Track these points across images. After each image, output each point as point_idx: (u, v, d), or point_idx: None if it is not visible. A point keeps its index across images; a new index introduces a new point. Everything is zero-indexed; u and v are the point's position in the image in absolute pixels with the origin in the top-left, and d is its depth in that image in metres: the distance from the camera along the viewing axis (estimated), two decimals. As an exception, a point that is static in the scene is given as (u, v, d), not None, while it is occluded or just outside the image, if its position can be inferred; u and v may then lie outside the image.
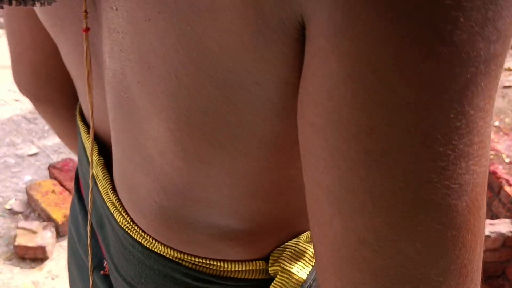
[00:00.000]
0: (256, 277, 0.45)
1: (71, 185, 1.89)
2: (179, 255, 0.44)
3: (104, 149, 0.50)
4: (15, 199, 1.88)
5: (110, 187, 0.48)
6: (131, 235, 0.46)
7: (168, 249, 0.44)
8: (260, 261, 0.44)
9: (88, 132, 0.52)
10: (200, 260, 0.44)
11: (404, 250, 0.24)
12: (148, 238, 0.45)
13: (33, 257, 1.64)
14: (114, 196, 0.48)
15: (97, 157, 0.50)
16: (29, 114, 2.42)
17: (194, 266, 0.44)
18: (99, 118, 0.47)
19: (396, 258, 0.24)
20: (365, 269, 0.25)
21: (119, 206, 0.47)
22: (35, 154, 2.15)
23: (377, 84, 0.22)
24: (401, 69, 0.21)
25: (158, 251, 0.45)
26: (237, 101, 0.30)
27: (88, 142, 0.52)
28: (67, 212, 1.75)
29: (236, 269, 0.44)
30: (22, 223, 1.70)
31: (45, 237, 1.65)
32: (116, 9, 0.32)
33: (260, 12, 0.25)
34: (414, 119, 0.22)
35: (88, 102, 0.42)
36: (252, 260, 0.44)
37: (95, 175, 0.50)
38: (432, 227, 0.24)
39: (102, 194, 0.49)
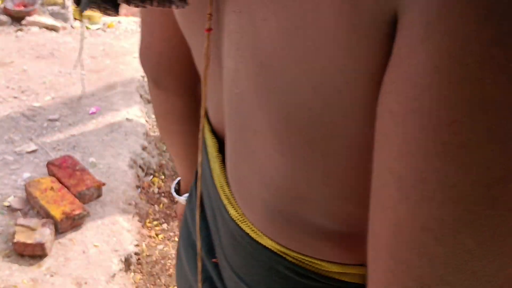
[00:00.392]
0: (358, 282, 0.45)
1: (69, 182, 1.89)
2: (283, 250, 0.46)
3: (223, 146, 0.53)
4: (14, 196, 1.87)
5: (226, 181, 0.51)
6: (241, 227, 0.48)
7: (273, 243, 0.46)
8: (362, 267, 0.44)
9: (211, 130, 0.56)
10: (302, 257, 0.45)
11: (465, 242, 0.25)
12: (256, 230, 0.47)
13: (32, 254, 1.64)
14: (229, 190, 0.51)
15: (216, 153, 0.53)
16: (27, 111, 2.41)
17: (297, 262, 0.46)
18: (218, 117, 0.51)
19: (456, 249, 0.25)
20: (423, 255, 0.26)
21: (232, 199, 0.50)
22: (34, 151, 2.14)
23: (464, 78, 0.22)
24: (490, 67, 0.22)
25: (265, 244, 0.46)
26: (329, 102, 0.31)
27: (210, 139, 0.56)
28: (66, 209, 1.75)
29: (337, 270, 0.45)
30: (21, 220, 1.70)
31: (44, 234, 1.65)
32: (240, 11, 0.36)
33: (356, 8, 0.26)
34: (497, 117, 0.22)
35: (214, 98, 0.48)
36: (353, 265, 0.45)
37: (212, 169, 0.54)
38: (497, 225, 0.24)
39: (218, 188, 0.52)
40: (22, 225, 1.67)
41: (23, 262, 1.62)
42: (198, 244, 0.56)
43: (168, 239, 1.99)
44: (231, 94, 0.41)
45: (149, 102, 2.75)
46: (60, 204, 1.77)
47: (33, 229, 1.66)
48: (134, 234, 1.89)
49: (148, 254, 1.91)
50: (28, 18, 3.27)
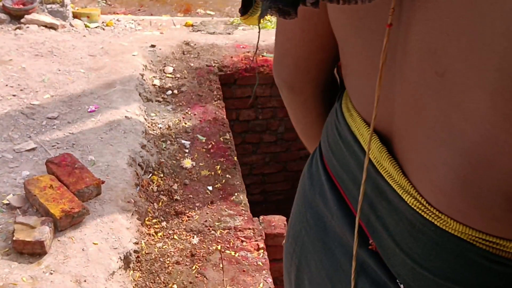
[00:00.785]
0: None
1: (69, 180, 1.89)
2: (475, 234, 0.46)
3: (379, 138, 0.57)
4: (13, 194, 1.87)
5: (399, 171, 0.53)
6: (423, 216, 0.49)
7: (465, 228, 0.46)
8: None
9: (364, 123, 0.59)
10: (497, 241, 0.46)
11: None
12: (443, 217, 0.47)
13: (31, 252, 1.64)
14: (404, 179, 0.52)
15: (379, 145, 0.55)
16: (26, 109, 2.41)
17: (488, 248, 0.46)
18: (379, 110, 0.53)
19: None
20: None
21: (411, 188, 0.51)
22: (33, 149, 2.14)
23: None
24: None
25: (452, 231, 0.47)
26: None
27: (359, 132, 0.59)
28: (65, 207, 1.75)
29: None
30: (20, 218, 1.70)
31: (43, 232, 1.65)
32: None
33: None
34: None
35: (374, 94, 0.50)
36: None
37: (374, 162, 0.56)
38: None
39: (387, 179, 0.54)
40: (21, 223, 1.67)
41: (23, 260, 1.62)
42: (356, 237, 0.57)
43: (167, 237, 1.99)
44: (428, 80, 0.44)
45: (148, 100, 2.75)
46: (59, 202, 1.77)
47: (32, 227, 1.66)
48: (133, 232, 1.89)
49: (147, 252, 1.91)
50: (27, 16, 3.27)
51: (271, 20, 3.95)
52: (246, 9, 0.64)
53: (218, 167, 2.39)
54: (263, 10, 0.52)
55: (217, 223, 2.07)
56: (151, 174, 2.27)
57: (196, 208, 2.14)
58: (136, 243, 1.88)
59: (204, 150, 2.49)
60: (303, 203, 0.72)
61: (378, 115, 0.54)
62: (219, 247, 1.97)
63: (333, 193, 0.65)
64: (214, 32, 3.69)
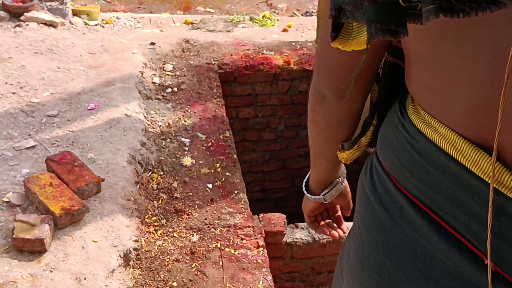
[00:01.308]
0: None
1: (68, 178, 1.89)
2: None
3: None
4: (13, 192, 1.88)
5: None
6: None
7: None
8: None
9: (461, 138, 0.57)
10: None
11: None
12: None
13: (31, 249, 1.64)
14: None
15: (498, 166, 0.53)
16: (26, 107, 2.41)
17: None
18: (471, 119, 0.54)
19: None
20: None
21: None
22: (33, 147, 2.14)
23: None
24: None
25: None
26: None
27: (456, 148, 0.56)
28: (65, 204, 1.75)
29: None
30: (20, 216, 1.70)
31: (43, 230, 1.65)
32: None
33: None
34: None
35: (471, 105, 0.52)
36: None
37: (486, 178, 0.54)
38: None
39: (507, 193, 0.52)
40: (21, 221, 1.67)
41: (22, 258, 1.62)
42: (488, 254, 0.55)
43: (167, 235, 2.00)
44: None
45: (148, 98, 2.75)
46: (59, 200, 1.77)
47: (32, 225, 1.66)
48: (133, 229, 1.90)
49: (147, 249, 1.91)
50: (27, 14, 3.26)
51: (271, 18, 3.94)
52: (337, 33, 0.61)
53: (218, 165, 2.39)
54: (372, 33, 0.53)
55: (216, 221, 2.08)
56: (151, 172, 2.27)
57: (196, 206, 2.14)
58: (136, 241, 1.88)
59: (204, 148, 2.49)
60: (378, 231, 0.68)
61: (477, 126, 0.52)
62: (218, 245, 1.97)
63: (421, 216, 0.61)
64: (214, 30, 3.69)
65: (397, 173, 0.65)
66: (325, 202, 1.03)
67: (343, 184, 1.02)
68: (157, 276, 1.82)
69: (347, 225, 1.09)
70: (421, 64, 0.58)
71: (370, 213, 0.70)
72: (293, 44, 3.54)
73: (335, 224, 1.12)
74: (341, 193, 1.03)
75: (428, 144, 0.59)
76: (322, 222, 1.11)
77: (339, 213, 1.12)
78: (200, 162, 2.39)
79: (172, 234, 2.00)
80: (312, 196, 1.02)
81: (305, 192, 1.04)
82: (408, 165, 0.62)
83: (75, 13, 3.50)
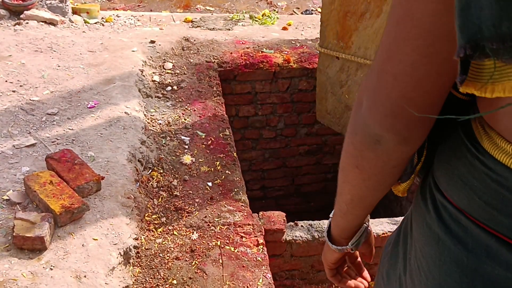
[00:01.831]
0: None
1: (68, 176, 1.89)
2: None
3: None
4: (13, 190, 1.88)
5: None
6: None
7: None
8: None
9: None
10: None
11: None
12: None
13: (31, 247, 1.64)
14: None
15: None
16: (26, 105, 2.41)
17: None
18: None
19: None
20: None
21: None
22: (33, 145, 2.15)
23: None
24: None
25: None
26: None
27: None
28: (65, 203, 1.76)
29: None
30: (20, 214, 1.70)
31: (43, 228, 1.65)
32: None
33: None
34: None
35: None
36: None
37: None
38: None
39: None
40: (21, 219, 1.67)
41: (23, 256, 1.63)
42: None
43: (167, 233, 2.00)
44: None
45: (147, 96, 2.75)
46: (59, 198, 1.77)
47: (32, 223, 1.66)
48: (133, 227, 1.90)
49: (147, 247, 1.91)
50: (27, 12, 3.26)
51: (271, 16, 3.94)
52: (465, 72, 0.51)
53: (218, 163, 2.39)
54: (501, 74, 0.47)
55: (216, 219, 2.08)
56: (150, 170, 2.28)
57: (196, 204, 2.15)
58: (136, 239, 1.88)
59: (203, 146, 2.49)
60: (461, 273, 0.63)
61: None
62: (218, 243, 1.97)
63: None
64: (213, 28, 3.69)
65: (478, 211, 0.60)
66: (352, 252, 0.93)
67: (370, 227, 0.92)
68: (157, 274, 1.82)
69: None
70: None
71: (446, 255, 0.65)
72: (293, 42, 3.54)
73: (353, 272, 1.03)
74: (367, 239, 0.93)
75: None
76: (345, 275, 1.02)
77: (359, 259, 1.02)
78: (200, 160, 2.40)
79: (172, 232, 2.00)
80: (338, 247, 0.91)
81: (329, 242, 0.93)
82: (494, 203, 0.57)
83: (75, 11, 3.50)
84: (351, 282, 1.01)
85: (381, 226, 2.35)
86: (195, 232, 2.01)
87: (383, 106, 0.60)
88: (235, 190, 2.24)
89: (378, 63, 0.59)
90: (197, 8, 5.59)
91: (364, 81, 0.63)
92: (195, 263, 1.88)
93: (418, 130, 0.62)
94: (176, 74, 3.04)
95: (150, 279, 1.80)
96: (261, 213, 2.24)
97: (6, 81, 2.57)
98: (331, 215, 0.93)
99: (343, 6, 2.48)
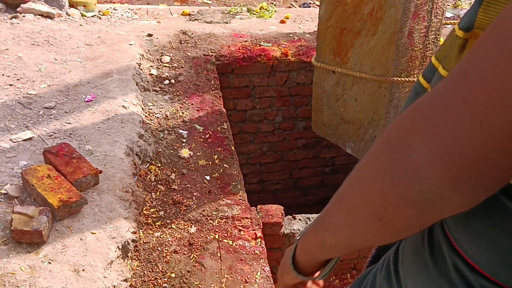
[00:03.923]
0: None
1: (66, 169, 1.89)
2: None
3: None
4: (11, 184, 1.88)
5: None
6: None
7: None
8: None
9: None
10: None
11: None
12: None
13: (30, 241, 1.64)
14: None
15: None
16: (23, 99, 2.40)
17: None
18: None
19: None
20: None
21: None
22: (30, 139, 2.14)
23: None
24: None
25: None
26: None
27: None
28: (63, 196, 1.75)
29: None
30: (18, 208, 1.70)
31: (41, 221, 1.65)
32: None
33: None
34: None
35: None
36: None
37: None
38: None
39: None
40: (19, 213, 1.67)
41: (21, 250, 1.63)
42: None
43: (165, 226, 2.00)
44: None
45: (145, 89, 2.75)
46: (57, 192, 1.77)
47: (30, 217, 1.66)
48: (131, 221, 1.90)
49: (145, 241, 1.92)
50: (23, 5, 3.25)
51: (268, 10, 3.93)
52: None
53: (216, 156, 2.39)
54: None
55: (214, 213, 2.08)
56: (148, 164, 2.28)
57: (194, 198, 2.15)
58: (134, 233, 1.89)
59: (201, 139, 2.49)
60: None
61: None
62: (216, 236, 1.97)
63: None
64: (211, 21, 3.68)
65: (500, 274, 0.53)
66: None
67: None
68: (155, 267, 1.82)
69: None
70: None
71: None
72: (291, 35, 3.53)
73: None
74: None
75: None
76: None
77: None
78: (198, 154, 2.40)
79: (170, 226, 2.01)
80: (306, 277, 0.80)
81: (293, 271, 0.80)
82: None
83: (72, 5, 3.48)
84: None
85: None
86: (193, 225, 2.02)
87: (465, 161, 0.41)
88: (233, 183, 2.25)
89: (473, 105, 0.40)
90: (194, 1, 5.57)
91: (416, 115, 0.45)
92: (193, 256, 1.88)
93: (495, 191, 0.45)
94: (174, 67, 3.03)
95: (149, 273, 1.80)
96: (259, 206, 2.24)
97: (3, 74, 2.56)
98: (298, 237, 0.78)
99: (340, 23, 2.51)
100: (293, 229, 2.30)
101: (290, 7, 5.40)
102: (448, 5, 4.44)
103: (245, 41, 3.38)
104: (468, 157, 0.41)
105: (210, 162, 2.36)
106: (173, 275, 1.80)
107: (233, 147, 2.48)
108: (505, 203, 0.50)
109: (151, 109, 2.64)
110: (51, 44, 2.93)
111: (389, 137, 0.48)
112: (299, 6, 5.43)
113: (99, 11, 3.54)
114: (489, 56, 0.39)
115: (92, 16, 3.45)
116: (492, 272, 0.53)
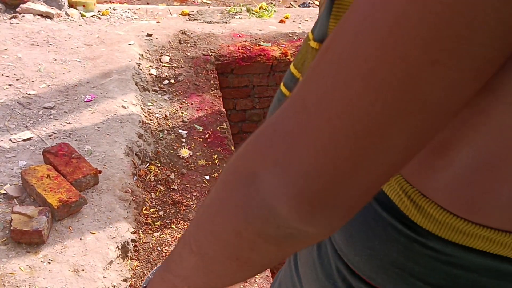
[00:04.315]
0: None
1: (66, 169, 1.89)
2: None
3: None
4: (10, 184, 1.88)
5: None
6: None
7: None
8: None
9: None
10: None
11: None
12: None
13: (29, 241, 1.64)
14: None
15: None
16: (23, 99, 2.40)
17: None
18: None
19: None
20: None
21: None
22: (29, 139, 2.14)
23: None
24: None
25: None
26: None
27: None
28: (63, 196, 1.75)
29: None
30: (18, 208, 1.70)
31: (40, 221, 1.65)
32: None
33: None
34: None
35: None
36: None
37: None
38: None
39: None
40: (19, 213, 1.67)
41: (20, 250, 1.63)
42: None
43: (165, 226, 2.00)
44: None
45: (145, 89, 2.75)
46: (56, 192, 1.77)
47: (30, 217, 1.66)
48: (130, 221, 1.90)
49: (145, 241, 1.92)
50: (23, 5, 3.25)
51: (268, 9, 3.93)
52: None
53: (215, 156, 2.39)
54: None
55: (214, 213, 2.08)
56: (148, 164, 2.27)
57: (193, 198, 2.15)
58: (134, 233, 1.88)
59: (201, 139, 2.49)
60: None
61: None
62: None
63: None
64: (210, 21, 3.68)
65: None
66: None
67: None
68: (155, 267, 1.82)
69: None
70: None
71: None
72: (290, 35, 3.54)
73: None
74: None
75: (482, 263, 0.47)
76: None
77: None
78: (198, 153, 2.40)
79: (169, 226, 2.00)
80: None
81: None
82: (447, 285, 0.49)
83: (71, 4, 3.48)
84: None
85: None
86: (193, 225, 2.02)
87: (314, 195, 0.36)
88: (233, 183, 2.24)
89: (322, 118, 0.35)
90: (194, 1, 5.57)
91: (261, 143, 0.39)
92: (193, 256, 1.88)
93: (352, 216, 0.40)
94: (173, 67, 3.03)
95: (148, 273, 1.80)
96: (258, 206, 2.24)
97: (2, 75, 2.56)
98: (144, 285, 0.69)
99: None
100: (293, 229, 2.30)
101: (289, 7, 5.40)
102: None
103: (245, 41, 3.38)
104: (317, 191, 0.37)
105: (210, 162, 2.36)
106: (172, 275, 1.80)
107: (232, 147, 2.48)
108: (377, 210, 0.50)
109: (150, 109, 2.64)
110: (51, 44, 2.93)
111: (236, 168, 0.42)
112: (299, 6, 5.43)
113: (99, 11, 3.54)
114: (326, 81, 0.34)
115: (92, 16, 3.45)
116: (370, 277, 0.53)
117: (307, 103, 0.35)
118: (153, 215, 2.04)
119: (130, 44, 3.07)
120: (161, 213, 2.05)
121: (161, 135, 2.47)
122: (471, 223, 0.44)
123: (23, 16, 3.19)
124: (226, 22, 3.69)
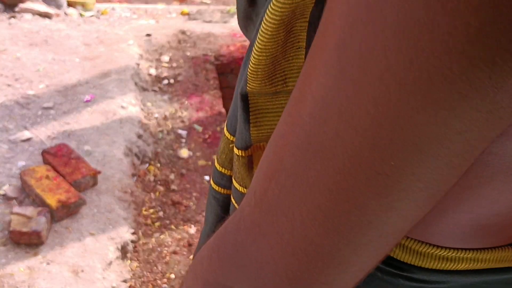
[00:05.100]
0: None
1: (65, 170, 1.88)
2: None
3: None
4: (9, 185, 1.87)
5: None
6: None
7: None
8: None
9: None
10: None
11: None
12: None
13: (28, 242, 1.64)
14: None
15: None
16: (21, 99, 2.39)
17: None
18: None
19: None
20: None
21: None
22: (28, 139, 2.14)
23: None
24: None
25: None
26: None
27: None
28: (62, 197, 1.75)
29: None
30: (17, 209, 1.69)
31: (39, 222, 1.64)
32: None
33: None
34: None
35: None
36: None
37: None
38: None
39: None
40: (18, 214, 1.67)
41: (19, 251, 1.62)
42: None
43: (164, 227, 2.00)
44: None
45: (144, 89, 2.74)
46: (55, 193, 1.77)
47: (29, 218, 1.66)
48: (130, 222, 1.89)
49: (144, 242, 1.91)
50: (21, 5, 3.24)
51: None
52: None
53: (215, 157, 2.39)
54: None
55: (214, 213, 2.08)
56: (147, 164, 2.27)
57: (193, 198, 2.14)
58: (133, 233, 1.88)
59: (200, 140, 2.48)
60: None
61: None
62: (216, 237, 1.97)
63: None
64: (210, 21, 3.67)
65: None
66: None
67: None
68: (155, 268, 1.82)
69: None
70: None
71: None
72: (290, 35, 3.53)
73: None
74: None
75: None
76: None
77: None
78: (197, 154, 2.39)
79: (169, 226, 2.00)
80: None
81: None
82: None
83: (70, 4, 3.47)
84: None
85: None
86: (192, 226, 2.01)
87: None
88: (233, 184, 2.24)
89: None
90: (193, 1, 5.56)
91: (223, 260, 0.36)
92: (192, 257, 1.88)
93: None
94: (173, 67, 3.02)
95: (148, 273, 1.79)
96: (258, 206, 2.24)
97: (1, 75, 2.56)
98: None
99: None
100: (293, 229, 2.30)
101: (289, 6, 5.39)
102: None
103: (245, 41, 3.38)
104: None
105: (209, 162, 2.35)
106: (172, 275, 1.79)
107: (232, 147, 2.48)
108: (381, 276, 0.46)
109: (150, 109, 2.63)
110: (50, 44, 2.92)
111: (205, 280, 0.39)
112: (298, 6, 5.43)
113: (98, 10, 3.54)
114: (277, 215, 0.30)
115: (91, 16, 3.44)
116: None
117: (263, 226, 0.32)
118: (153, 216, 2.03)
119: (129, 44, 3.07)
120: (161, 213, 2.05)
121: (160, 136, 2.46)
122: (443, 248, 0.42)
123: (22, 16, 3.18)
124: (226, 22, 3.69)
